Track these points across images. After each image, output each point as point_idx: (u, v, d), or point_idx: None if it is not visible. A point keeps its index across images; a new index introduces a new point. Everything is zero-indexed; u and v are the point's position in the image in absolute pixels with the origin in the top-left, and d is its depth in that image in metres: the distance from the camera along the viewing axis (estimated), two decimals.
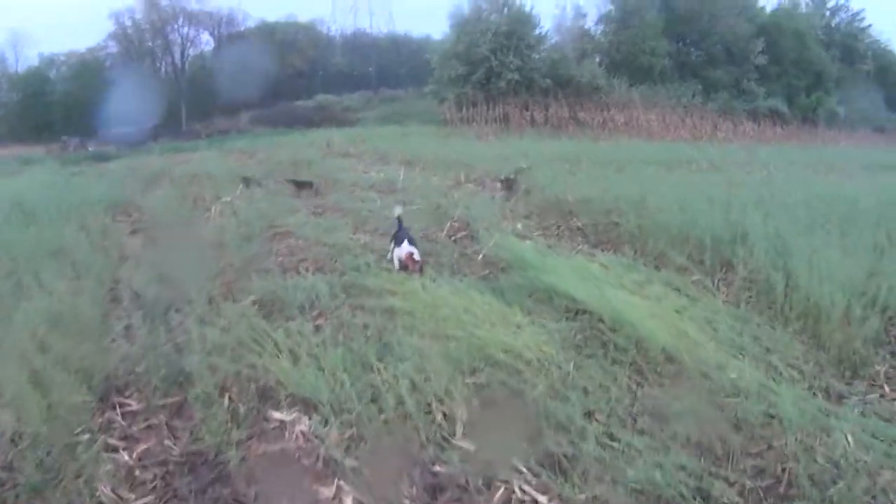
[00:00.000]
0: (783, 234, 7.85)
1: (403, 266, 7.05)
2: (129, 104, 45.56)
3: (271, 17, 54.24)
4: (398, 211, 8.13)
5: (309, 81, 49.23)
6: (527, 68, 36.36)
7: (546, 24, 39.92)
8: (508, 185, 13.39)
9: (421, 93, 43.86)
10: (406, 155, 20.52)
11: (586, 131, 33.07)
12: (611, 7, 42.73)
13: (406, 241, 7.20)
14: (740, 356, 5.41)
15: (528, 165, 15.67)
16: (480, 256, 7.88)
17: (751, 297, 6.75)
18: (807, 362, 5.40)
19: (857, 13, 48.78)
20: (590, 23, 43.75)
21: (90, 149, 34.67)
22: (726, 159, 21.65)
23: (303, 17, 55.97)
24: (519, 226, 9.57)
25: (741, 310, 6.41)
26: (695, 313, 6.22)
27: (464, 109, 36.29)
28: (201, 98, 45.83)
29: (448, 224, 9.47)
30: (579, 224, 9.68)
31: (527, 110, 35.82)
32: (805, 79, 45.16)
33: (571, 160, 18.95)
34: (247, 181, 14.59)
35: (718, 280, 7.32)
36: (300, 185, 14.09)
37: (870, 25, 49.00)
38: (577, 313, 5.93)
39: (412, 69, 48.51)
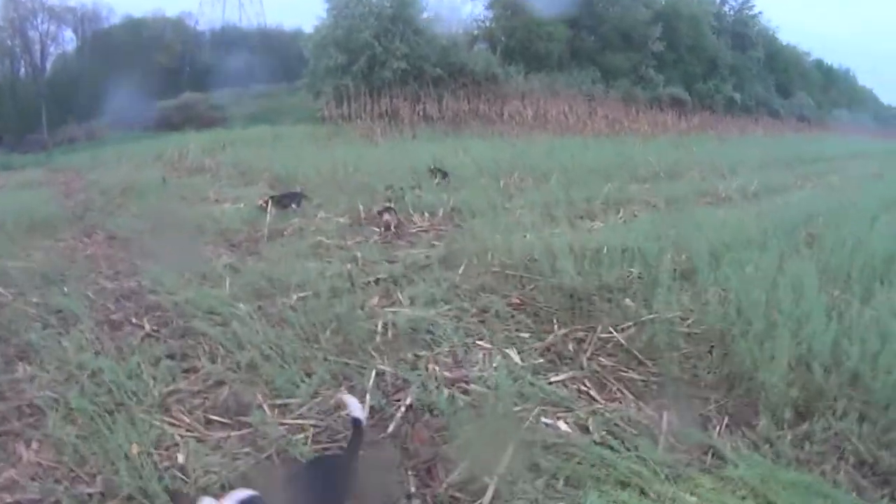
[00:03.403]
0: None
1: None
2: None
3: (138, 11, 48.32)
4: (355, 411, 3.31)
5: (176, 79, 43.87)
6: (414, 56, 31.43)
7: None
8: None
9: (294, 87, 38.31)
10: (277, 169, 15.28)
11: (491, 127, 28.60)
12: None
13: None
14: None
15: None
16: None
17: None
18: None
19: (747, 0, 47.92)
20: (479, 8, 39.76)
21: None
22: (674, 161, 17.98)
23: (171, 11, 51.03)
24: (515, 357, 4.80)
25: None
26: None
27: (344, 104, 30.81)
28: (63, 101, 40.03)
29: (371, 374, 4.58)
30: (620, 339, 5.10)
31: (418, 103, 30.92)
32: (700, 65, 43.54)
33: (499, 171, 14.51)
34: None
35: None
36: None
37: (760, 13, 48.40)
38: None
39: (284, 62, 43.25)
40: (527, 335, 5.26)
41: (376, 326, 5.29)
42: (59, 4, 44.44)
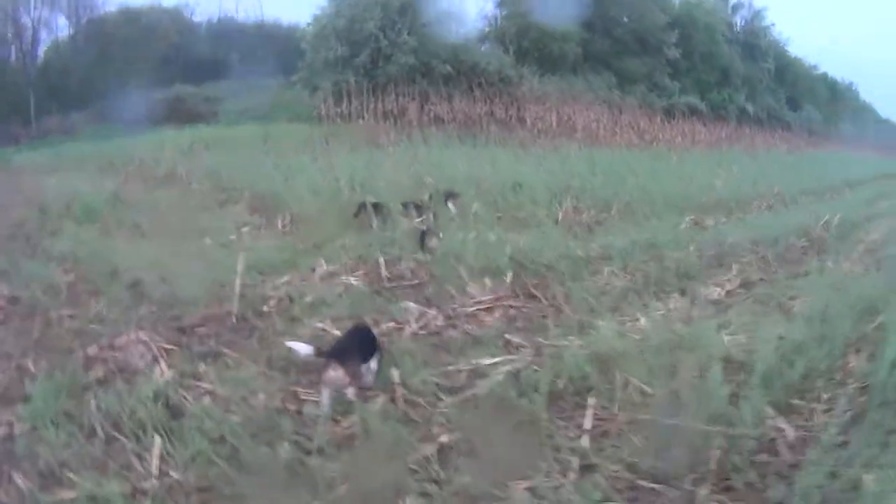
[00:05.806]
0: None
1: None
2: None
3: (134, 1, 47.59)
4: None
5: (170, 70, 42.73)
6: (423, 51, 28.99)
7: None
8: None
9: (289, 83, 35.89)
10: (262, 185, 12.43)
11: (511, 134, 26.13)
12: None
13: None
14: None
15: None
16: None
17: None
18: None
19: (759, 11, 47.36)
20: (489, 6, 37.42)
21: None
22: (734, 185, 15.87)
23: (167, 1, 49.93)
24: None
25: None
26: None
27: (344, 102, 28.43)
28: (54, 89, 38.84)
29: None
30: None
31: (427, 103, 28.39)
32: (714, 75, 42.15)
33: (547, 195, 12.13)
34: None
35: None
36: None
37: (772, 24, 47.66)
38: None
39: (280, 57, 41.68)
40: None
41: None
42: None
